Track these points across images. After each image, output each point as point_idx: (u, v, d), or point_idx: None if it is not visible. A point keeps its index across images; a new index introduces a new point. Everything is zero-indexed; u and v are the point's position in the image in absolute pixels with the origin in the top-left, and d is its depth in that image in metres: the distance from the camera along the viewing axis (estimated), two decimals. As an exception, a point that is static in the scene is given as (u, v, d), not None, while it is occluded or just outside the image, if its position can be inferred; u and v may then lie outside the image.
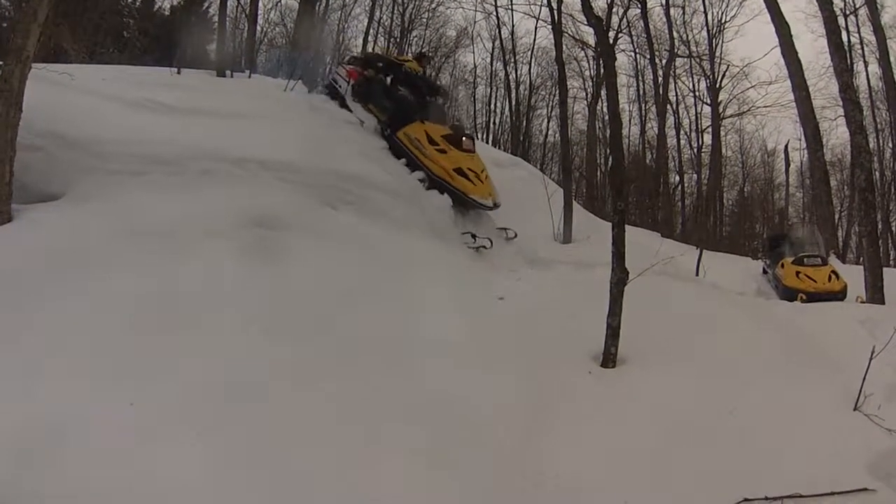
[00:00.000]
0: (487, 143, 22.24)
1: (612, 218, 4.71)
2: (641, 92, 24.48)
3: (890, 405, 3.79)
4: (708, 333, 4.67)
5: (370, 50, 17.58)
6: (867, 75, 20.22)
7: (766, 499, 2.98)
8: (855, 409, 3.76)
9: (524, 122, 25.55)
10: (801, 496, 2.99)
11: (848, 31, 18.38)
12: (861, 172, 8.75)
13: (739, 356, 4.34)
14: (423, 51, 14.03)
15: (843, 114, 11.88)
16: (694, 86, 23.65)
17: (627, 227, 4.91)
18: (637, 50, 23.93)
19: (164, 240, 4.46)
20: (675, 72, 23.18)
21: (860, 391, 3.80)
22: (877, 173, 18.16)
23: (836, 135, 20.20)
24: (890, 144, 20.80)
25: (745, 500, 2.99)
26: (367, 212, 5.97)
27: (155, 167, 5.29)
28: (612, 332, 4.28)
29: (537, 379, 4.03)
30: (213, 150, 5.68)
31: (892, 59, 16.58)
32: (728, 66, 22.73)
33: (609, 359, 4.28)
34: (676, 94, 23.67)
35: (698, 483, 3.14)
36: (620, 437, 3.54)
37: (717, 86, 22.81)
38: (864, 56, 20.07)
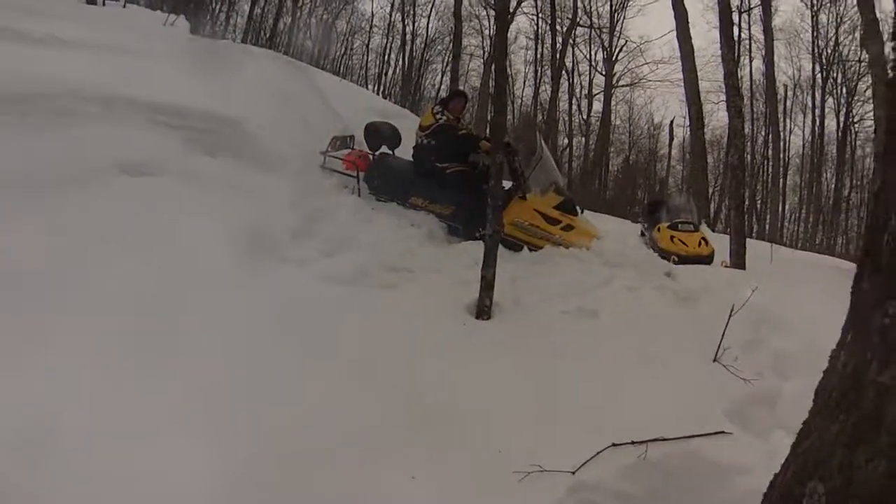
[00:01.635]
0: (378, 93, 21.85)
1: (492, 170, 4.66)
2: (539, 55, 24.81)
3: (746, 357, 4.11)
4: (586, 292, 4.81)
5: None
6: (751, 69, 22.06)
7: (633, 443, 3.12)
8: (714, 360, 4.07)
9: (417, 75, 25.24)
10: (664, 439, 3.15)
11: (740, 27, 19.90)
12: (735, 152, 9.48)
13: (608, 313, 4.51)
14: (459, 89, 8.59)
15: (725, 99, 13.37)
16: (591, 55, 24.30)
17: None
18: (540, 14, 24.15)
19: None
20: (574, 40, 23.71)
21: (719, 345, 4.10)
22: (748, 155, 19.93)
23: (717, 118, 22.10)
24: (763, 132, 22.45)
25: (613, 444, 3.11)
26: (250, 159, 5.66)
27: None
28: (486, 285, 4.32)
29: (420, 330, 4.05)
30: (73, 86, 5.10)
31: (775, 58, 18.10)
32: (626, 41, 23.51)
33: (483, 311, 4.32)
34: (573, 61, 24.24)
35: (567, 430, 3.24)
36: (486, 383, 3.59)
37: (614, 58, 23.58)
38: (750, 52, 21.77)
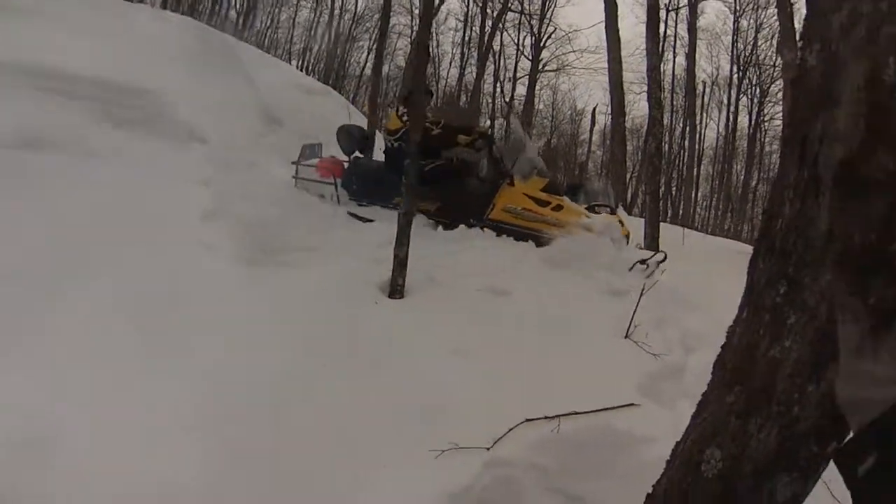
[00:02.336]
0: (301, 70, 21.23)
1: (408, 149, 4.56)
2: (467, 38, 24.75)
3: (656, 333, 4.26)
4: (500, 271, 4.78)
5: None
6: (674, 65, 22.81)
7: (546, 418, 3.14)
8: (626, 337, 4.17)
9: (343, 52, 24.67)
10: (576, 413, 3.19)
11: (666, 24, 20.45)
12: (653, 141, 9.91)
13: (521, 292, 4.49)
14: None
15: (647, 90, 13.84)
16: (519, 41, 24.41)
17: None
18: (471, -4, 24.10)
19: None
20: (504, 25, 23.80)
21: (630, 322, 4.21)
22: (666, 145, 20.54)
23: (639, 107, 22.77)
24: (680, 124, 23.31)
25: (527, 420, 3.12)
26: (163, 134, 5.39)
27: None
28: (399, 263, 4.24)
29: (333, 309, 3.92)
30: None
31: (696, 56, 18.90)
32: (555, 28, 23.74)
33: (396, 290, 4.23)
34: (501, 45, 24.31)
35: (481, 406, 3.23)
36: (398, 359, 3.55)
37: (542, 45, 23.77)
38: (674, 48, 22.48)
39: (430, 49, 24.83)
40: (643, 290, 4.40)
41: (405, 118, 5.87)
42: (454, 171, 5.91)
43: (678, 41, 22.61)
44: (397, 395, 3.21)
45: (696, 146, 23.70)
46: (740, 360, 1.72)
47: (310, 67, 24.63)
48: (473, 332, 3.85)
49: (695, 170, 24.47)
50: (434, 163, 5.84)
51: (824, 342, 1.55)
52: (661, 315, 4.56)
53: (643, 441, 3.13)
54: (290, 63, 22.03)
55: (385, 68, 23.44)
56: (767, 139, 24.77)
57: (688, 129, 22.61)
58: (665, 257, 5.65)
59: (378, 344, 3.61)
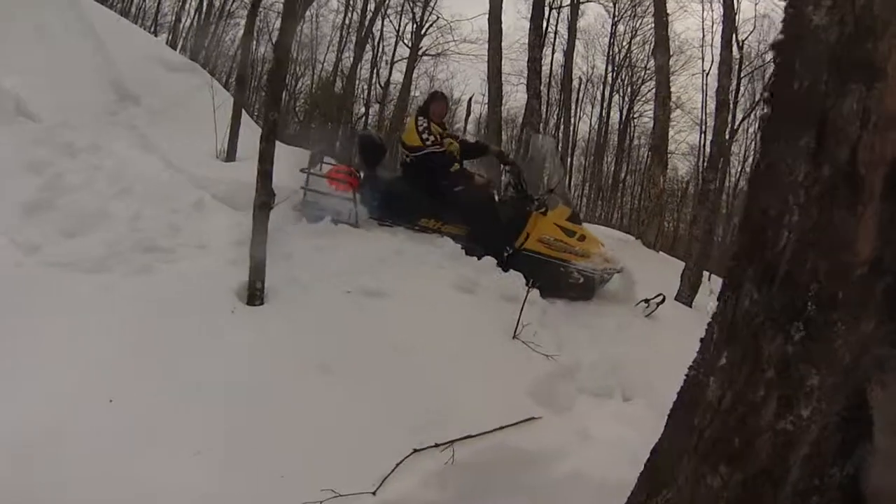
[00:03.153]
0: (170, 44, 19.58)
1: (262, 129, 3.89)
2: (348, 21, 23.96)
3: (543, 331, 4.06)
4: (372, 269, 4.32)
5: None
6: (552, 60, 23.47)
7: (437, 445, 2.78)
8: (514, 337, 3.92)
9: (215, 27, 23.04)
10: (471, 436, 2.87)
11: (548, 21, 20.82)
12: (530, 129, 10.16)
13: (397, 293, 4.07)
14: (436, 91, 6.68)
15: (525, 81, 14.42)
16: (400, 27, 24.01)
17: (296, 149, 4.41)
18: (355, -19, 23.31)
19: None
20: (386, 10, 23.26)
21: (518, 321, 3.96)
22: (540, 136, 20.93)
23: (514, 98, 23.02)
24: (554, 117, 24.01)
25: (415, 450, 2.75)
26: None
27: None
28: (256, 265, 3.65)
29: (183, 324, 3.29)
30: None
31: (574, 54, 19.58)
32: (438, 16, 23.52)
33: (255, 296, 3.65)
34: (382, 31, 23.80)
35: (361, 437, 2.81)
36: (255, 385, 3.00)
37: (423, 32, 23.52)
38: (553, 45, 22.99)
39: (310, 32, 24.09)
40: (529, 285, 4.23)
41: (426, 136, 5.27)
42: (484, 194, 5.41)
43: (558, 38, 23.23)
44: (256, 435, 2.69)
45: (570, 138, 24.58)
46: (730, 431, 1.30)
47: (179, 43, 22.71)
48: (344, 344, 3.39)
49: (568, 159, 25.36)
50: (462, 185, 5.30)
51: (857, 412, 1.20)
52: (547, 310, 4.48)
53: (550, 457, 2.95)
54: (156, 35, 20.29)
55: (261, 49, 22.25)
56: (636, 134, 26.20)
57: (562, 121, 23.31)
58: (664, 299, 5.46)
59: (233, 366, 3.04)
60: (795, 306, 1.20)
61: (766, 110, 1.32)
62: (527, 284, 4.39)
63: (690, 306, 7.00)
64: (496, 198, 5.60)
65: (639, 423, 3.54)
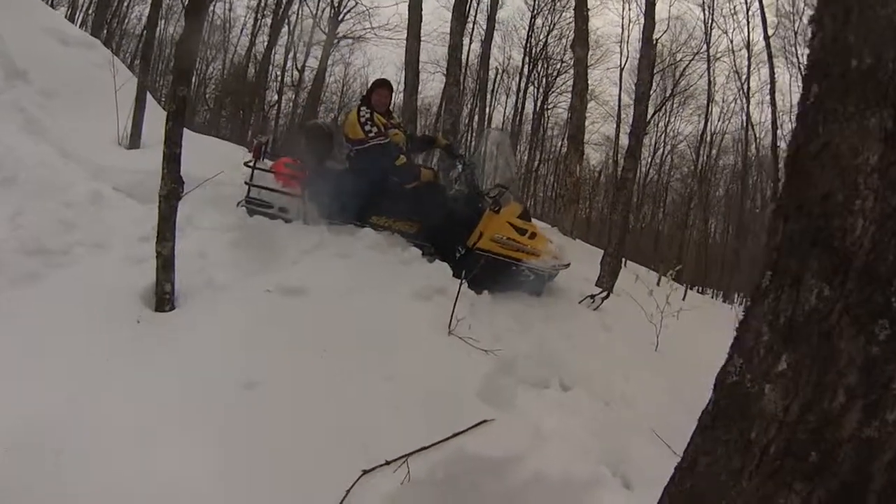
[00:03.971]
0: (71, 17, 18.04)
1: (167, 107, 3.46)
2: (262, 4, 22.95)
3: (477, 324, 3.87)
4: (291, 263, 4.03)
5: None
6: (469, 50, 23.45)
7: (387, 462, 2.52)
8: (449, 333, 3.71)
9: (117, 1, 21.41)
10: (424, 448, 2.63)
11: (468, 11, 20.66)
12: (449, 117, 10.06)
13: (318, 289, 3.74)
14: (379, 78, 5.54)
15: (440, 70, 14.34)
16: (317, 12, 23.23)
17: (215, 140, 3.98)
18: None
19: None
20: (302, -5, 22.41)
21: (452, 316, 3.76)
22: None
23: (430, 87, 22.83)
24: (468, 106, 24.06)
25: (364, 472, 2.45)
26: None
27: None
28: (164, 263, 3.20)
29: (78, 342, 2.80)
30: None
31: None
32: (357, 2, 22.87)
33: (164, 300, 3.21)
34: (298, 16, 22.96)
35: (298, 464, 2.46)
36: (161, 415, 2.56)
37: (340, 18, 22.87)
38: (472, 34, 23.01)
39: (222, 15, 22.94)
40: (463, 278, 4.03)
41: (368, 128, 4.89)
42: (436, 190, 5.08)
43: (476, 28, 23.20)
44: (177, 469, 2.30)
45: (484, 127, 24.74)
46: (804, 444, 1.14)
47: (79, 18, 20.92)
48: (267, 352, 3.02)
49: (481, 150, 25.54)
50: (411, 180, 4.99)
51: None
52: (476, 302, 4.26)
53: (509, 461, 2.77)
54: (54, 10, 18.63)
55: (170, 29, 20.91)
56: (550, 125, 26.73)
57: (477, 110, 23.36)
58: (608, 294, 5.43)
59: (142, 391, 2.61)
60: (878, 302, 1.06)
61: (813, 89, 1.18)
62: (463, 278, 4.16)
63: (610, 292, 7.05)
64: (446, 194, 5.33)
65: (583, 413, 3.52)
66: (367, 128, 4.93)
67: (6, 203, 3.55)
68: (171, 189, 3.15)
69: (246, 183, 4.73)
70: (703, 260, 20.88)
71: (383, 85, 5.29)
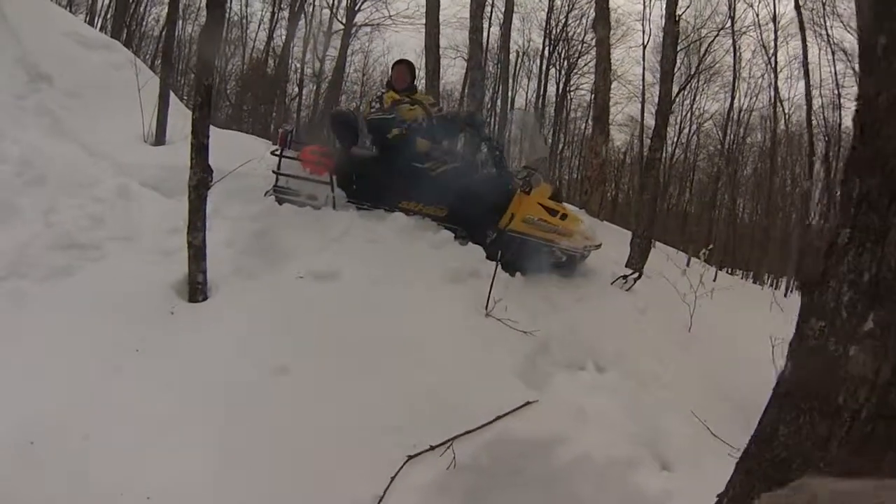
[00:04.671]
0: (90, 22, 18.23)
1: (193, 100, 3.36)
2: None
3: (512, 306, 3.76)
4: (321, 249, 3.92)
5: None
6: (489, 34, 23.08)
7: (432, 448, 2.49)
8: (486, 315, 3.66)
9: (134, 4, 21.51)
10: (469, 432, 2.60)
11: None
12: (473, 101, 9.89)
13: (350, 273, 3.68)
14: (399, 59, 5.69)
15: (461, 55, 14.24)
16: (334, 2, 23.17)
17: (238, 134, 3.95)
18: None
19: None
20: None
21: (489, 297, 3.71)
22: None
23: (451, 72, 22.53)
24: (490, 90, 23.88)
25: (409, 457, 2.43)
26: None
27: None
28: (196, 254, 3.18)
29: (115, 334, 2.81)
30: None
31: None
32: (373, -8, 22.81)
33: (197, 290, 3.19)
34: (313, 7, 22.92)
35: (340, 451, 2.45)
36: (201, 402, 2.57)
37: (357, 8, 22.79)
38: (490, 18, 22.77)
39: (238, 11, 22.99)
40: (498, 259, 3.95)
41: (373, 108, 4.85)
42: (465, 172, 4.96)
43: (494, 13, 22.97)
44: (219, 456, 2.31)
45: (507, 111, 24.54)
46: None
47: (98, 23, 21.01)
48: (302, 339, 2.99)
49: (506, 133, 25.39)
50: (444, 165, 4.87)
51: None
52: (509, 285, 4.17)
53: (553, 443, 2.73)
54: (75, 15, 18.76)
55: (189, 29, 20.98)
56: (573, 107, 26.20)
57: (499, 94, 23.16)
58: (640, 275, 5.32)
59: (181, 378, 2.61)
60: None
61: (881, 41, 1.14)
62: (497, 260, 4.09)
63: (641, 273, 6.93)
64: (475, 177, 5.15)
65: (620, 395, 3.45)
66: (373, 105, 4.91)
67: (38, 200, 3.57)
68: (201, 178, 3.12)
69: (273, 172, 4.68)
70: (732, 240, 20.49)
71: (400, 63, 5.29)
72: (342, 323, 3.19)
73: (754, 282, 18.53)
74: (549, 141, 24.31)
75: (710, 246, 8.33)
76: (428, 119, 5.00)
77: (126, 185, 4.09)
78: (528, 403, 2.90)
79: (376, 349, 3.01)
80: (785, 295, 14.51)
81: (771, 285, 20.91)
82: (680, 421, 3.42)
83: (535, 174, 5.06)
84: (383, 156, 4.84)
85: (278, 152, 4.72)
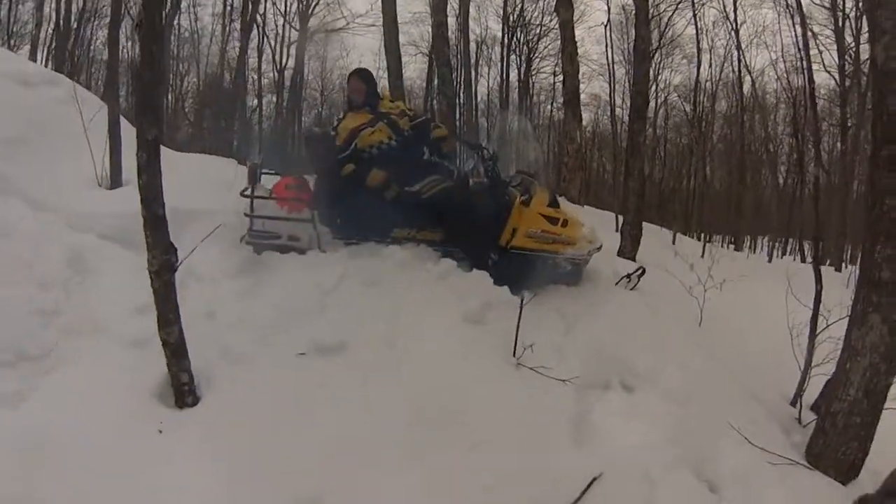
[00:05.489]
0: (35, 58, 17.34)
1: (137, 157, 2.56)
2: (228, 7, 22.19)
3: (533, 333, 3.44)
4: (318, 310, 3.42)
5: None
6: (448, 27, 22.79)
7: None
8: (518, 364, 3.30)
9: (77, 30, 20.44)
10: None
11: None
12: (443, 100, 9.65)
13: (358, 340, 3.19)
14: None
15: (421, 52, 13.99)
16: (286, 7, 22.55)
17: (201, 157, 3.45)
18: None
19: None
20: (268, -8, 21.71)
21: (515, 343, 3.36)
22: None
23: (412, 69, 22.44)
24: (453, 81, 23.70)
25: None
26: None
27: None
28: (174, 352, 2.60)
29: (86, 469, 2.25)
30: None
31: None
32: (325, -7, 22.20)
33: (183, 393, 2.62)
34: (264, 15, 22.27)
35: None
36: None
37: (310, 12, 22.21)
38: (445, 11, 22.44)
39: (189, 25, 22.18)
40: (523, 300, 3.52)
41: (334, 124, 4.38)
42: (455, 190, 4.45)
43: (448, 5, 22.73)
44: None
45: (472, 101, 24.29)
46: None
47: (42, 54, 19.76)
48: (322, 444, 2.51)
49: (474, 122, 25.29)
50: (437, 182, 4.41)
51: None
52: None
53: None
54: (17, 51, 17.65)
55: (138, 48, 19.99)
56: (536, 90, 26.58)
57: (461, 85, 22.90)
58: (644, 271, 4.92)
59: None
60: None
61: None
62: (507, 284, 3.87)
63: (634, 260, 6.66)
64: (466, 192, 4.64)
65: (653, 417, 3.21)
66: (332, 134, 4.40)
67: None
68: (163, 262, 2.52)
69: (246, 215, 4.15)
70: (709, 210, 20.52)
71: (353, 75, 4.69)
72: (365, 410, 2.75)
73: (736, 248, 18.57)
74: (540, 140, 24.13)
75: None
76: (398, 135, 4.50)
77: (78, 246, 3.54)
78: (594, 479, 2.66)
79: (414, 435, 2.60)
80: (769, 260, 14.54)
81: (750, 248, 21.09)
82: (718, 435, 3.18)
83: (532, 182, 4.65)
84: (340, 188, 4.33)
85: (249, 192, 4.16)
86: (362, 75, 4.64)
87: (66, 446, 2.29)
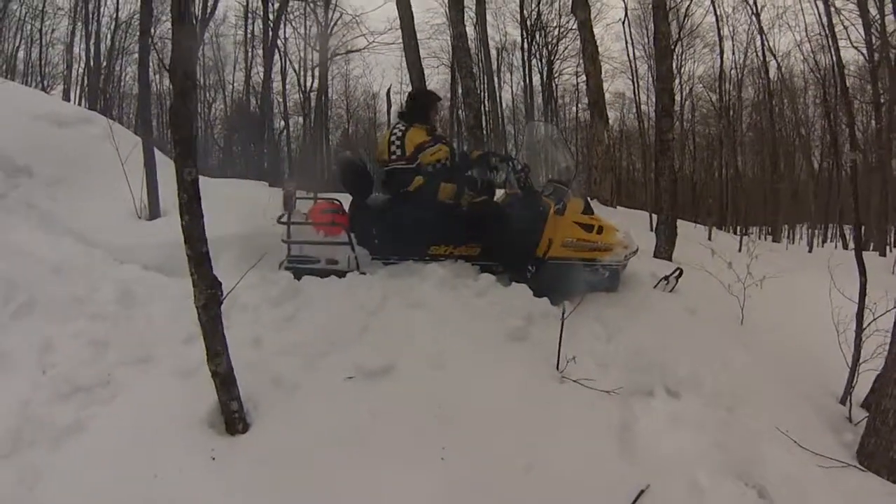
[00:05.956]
0: (68, 97, 17.84)
1: (178, 198, 2.57)
2: (249, 35, 22.63)
3: (573, 343, 3.46)
4: (361, 332, 3.40)
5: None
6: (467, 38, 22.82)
7: None
8: (562, 377, 3.30)
9: (108, 65, 20.93)
10: None
11: None
12: (469, 111, 9.46)
13: (407, 362, 3.17)
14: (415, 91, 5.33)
15: (442, 63, 13.91)
16: (306, 31, 22.89)
17: (233, 181, 3.48)
18: (248, -10, 21.96)
19: None
20: (287, 16, 22.00)
21: (559, 353, 3.36)
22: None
23: (434, 81, 22.57)
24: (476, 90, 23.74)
25: None
26: None
27: None
28: (223, 382, 2.60)
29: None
30: None
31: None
32: (342, 13, 22.43)
33: (234, 421, 2.63)
34: (285, 38, 22.65)
35: None
36: None
37: (329, 32, 22.50)
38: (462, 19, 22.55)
39: (213, 55, 22.60)
40: (564, 312, 3.48)
41: (394, 151, 4.36)
42: (489, 203, 4.55)
43: (466, 13, 22.78)
44: None
45: (498, 109, 24.23)
46: None
47: (75, 93, 20.24)
48: (378, 468, 2.52)
49: (500, 130, 25.22)
50: (476, 196, 4.48)
51: None
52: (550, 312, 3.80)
53: None
54: (46, 90, 18.13)
55: (166, 82, 20.50)
56: (560, 93, 26.44)
57: (486, 93, 22.87)
58: (681, 272, 4.89)
59: None
60: None
61: None
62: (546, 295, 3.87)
63: (671, 260, 6.58)
64: (501, 204, 4.72)
65: (699, 424, 3.17)
66: (394, 149, 4.44)
67: (30, 337, 3.01)
68: (209, 297, 2.54)
69: (283, 241, 4.20)
70: (744, 202, 20.07)
71: (435, 96, 4.81)
72: (416, 435, 2.75)
73: (774, 240, 18.11)
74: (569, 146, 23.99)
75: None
76: (454, 157, 4.56)
77: (126, 284, 3.62)
78: (642, 492, 2.66)
79: (468, 458, 2.63)
80: (809, 251, 14.12)
81: (789, 238, 20.54)
82: (765, 438, 3.13)
83: (566, 191, 4.63)
84: (405, 203, 4.36)
85: (285, 219, 4.20)
86: (424, 96, 4.75)
87: (126, 474, 2.38)
